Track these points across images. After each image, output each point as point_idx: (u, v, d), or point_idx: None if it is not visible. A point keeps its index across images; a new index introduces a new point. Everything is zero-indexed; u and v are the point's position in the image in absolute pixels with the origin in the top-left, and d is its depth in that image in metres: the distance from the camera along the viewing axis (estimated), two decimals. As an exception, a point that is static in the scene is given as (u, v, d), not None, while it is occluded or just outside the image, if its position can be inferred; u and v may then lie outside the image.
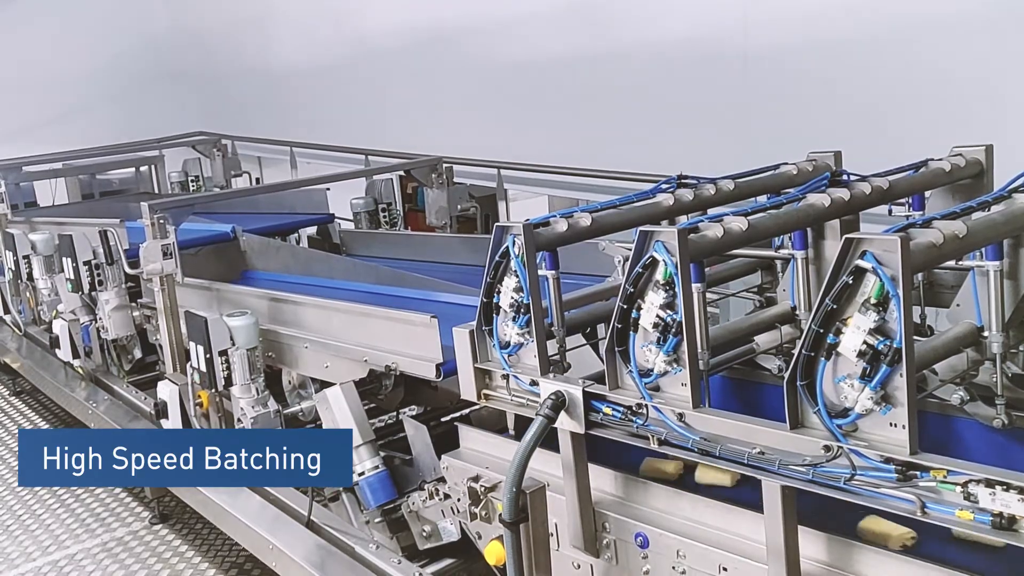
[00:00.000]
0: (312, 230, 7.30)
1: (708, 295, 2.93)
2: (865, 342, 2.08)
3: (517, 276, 2.83)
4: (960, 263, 2.71)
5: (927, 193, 3.22)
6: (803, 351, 2.17)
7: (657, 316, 2.47)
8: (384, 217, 7.23)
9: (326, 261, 6.10)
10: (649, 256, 2.47)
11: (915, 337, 2.18)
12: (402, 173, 7.23)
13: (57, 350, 5.83)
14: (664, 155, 6.45)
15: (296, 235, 7.20)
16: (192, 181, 8.80)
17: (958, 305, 2.76)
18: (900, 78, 5.67)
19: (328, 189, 7.11)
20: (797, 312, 3.13)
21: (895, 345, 2.05)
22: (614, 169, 6.83)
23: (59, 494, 5.61)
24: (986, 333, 2.62)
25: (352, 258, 6.45)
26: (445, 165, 6.59)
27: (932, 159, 3.19)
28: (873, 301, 2.08)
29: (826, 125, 5.78)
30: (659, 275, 2.46)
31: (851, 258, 2.10)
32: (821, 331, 2.15)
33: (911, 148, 3.36)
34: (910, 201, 3.22)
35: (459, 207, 6.76)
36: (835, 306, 2.13)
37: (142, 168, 9.04)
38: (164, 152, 9.15)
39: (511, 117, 8.39)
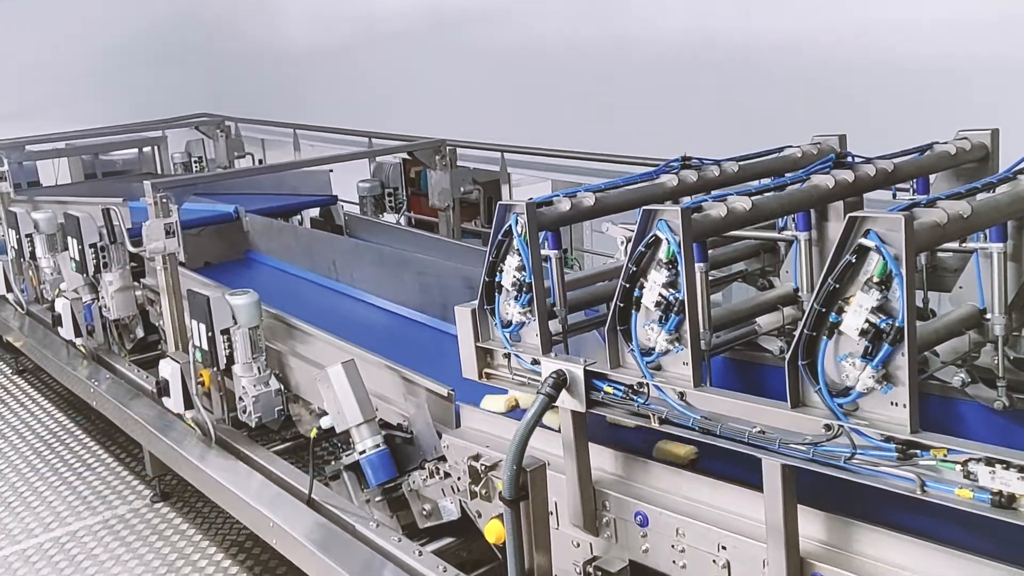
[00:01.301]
0: (315, 212, 7.30)
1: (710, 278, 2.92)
2: (867, 321, 2.08)
3: (519, 255, 2.83)
4: (964, 245, 2.71)
5: (932, 177, 3.22)
6: (805, 330, 2.17)
7: (659, 295, 2.47)
8: (389, 202, 7.23)
9: (329, 242, 6.10)
10: (652, 235, 2.46)
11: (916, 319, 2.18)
12: (406, 156, 7.22)
13: (59, 328, 5.84)
14: (669, 140, 6.43)
15: (299, 216, 7.21)
16: (195, 162, 8.80)
17: (960, 287, 2.76)
18: (905, 65, 5.65)
19: (331, 171, 7.11)
20: (799, 294, 3.13)
21: (897, 324, 2.05)
22: (618, 153, 6.82)
23: (60, 471, 5.64)
24: (988, 315, 2.62)
25: (354, 239, 6.46)
26: (448, 147, 6.58)
27: (937, 142, 3.18)
28: (876, 280, 2.07)
29: (831, 113, 5.77)
30: (662, 254, 2.46)
31: (855, 236, 2.10)
32: (823, 310, 2.15)
33: (916, 136, 3.34)
34: (914, 184, 3.22)
35: (462, 189, 6.75)
36: (838, 285, 2.12)
37: (145, 149, 9.04)
38: (167, 133, 9.14)
39: (516, 102, 8.38)
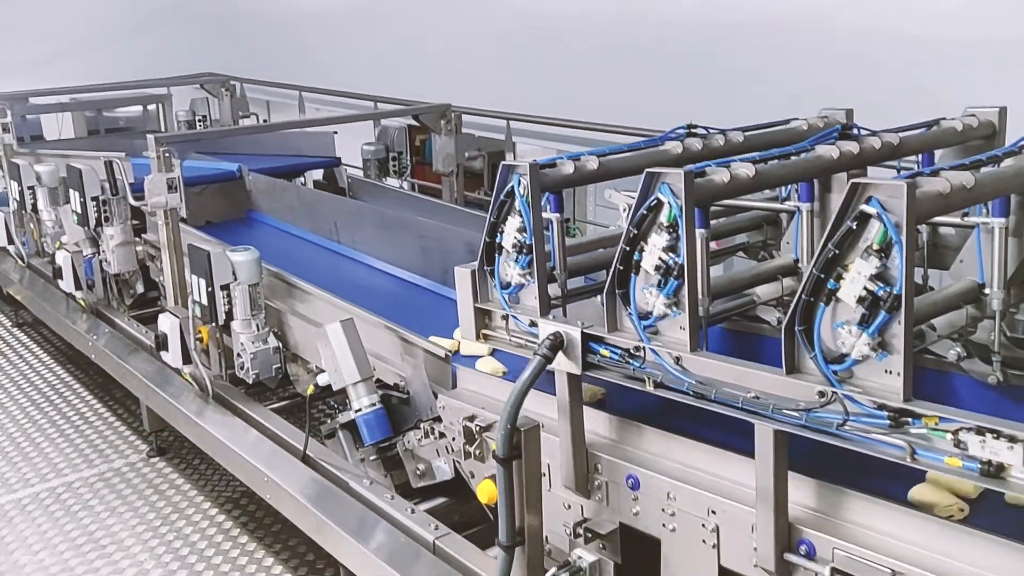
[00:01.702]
0: (319, 174, 7.28)
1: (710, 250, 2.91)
2: (865, 288, 2.08)
3: (521, 216, 2.83)
4: (966, 219, 2.70)
5: (937, 153, 3.20)
6: (803, 295, 2.17)
7: (659, 259, 2.47)
8: (393, 166, 7.21)
9: (331, 204, 6.09)
10: (654, 198, 2.46)
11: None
12: (411, 120, 7.19)
13: (60, 281, 5.85)
14: (677, 113, 6.39)
15: (302, 178, 7.19)
16: (199, 121, 8.76)
17: (961, 261, 2.76)
18: (918, 43, 5.62)
19: (335, 132, 7.08)
20: (800, 264, 3.13)
21: (895, 292, 2.04)
22: (626, 125, 6.79)
23: (58, 423, 5.67)
24: (987, 290, 2.62)
25: (357, 202, 6.44)
26: (453, 112, 6.56)
27: (944, 118, 3.17)
28: (875, 247, 2.06)
29: (841, 94, 5.73)
30: (663, 217, 2.45)
31: (856, 203, 2.09)
32: (822, 276, 2.14)
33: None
34: (919, 160, 3.21)
35: (466, 155, 6.73)
36: (837, 251, 2.12)
37: (149, 107, 9.00)
38: (172, 91, 9.09)
39: (522, 72, 8.32)
